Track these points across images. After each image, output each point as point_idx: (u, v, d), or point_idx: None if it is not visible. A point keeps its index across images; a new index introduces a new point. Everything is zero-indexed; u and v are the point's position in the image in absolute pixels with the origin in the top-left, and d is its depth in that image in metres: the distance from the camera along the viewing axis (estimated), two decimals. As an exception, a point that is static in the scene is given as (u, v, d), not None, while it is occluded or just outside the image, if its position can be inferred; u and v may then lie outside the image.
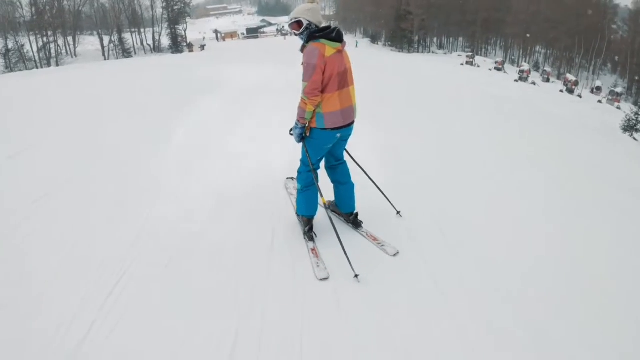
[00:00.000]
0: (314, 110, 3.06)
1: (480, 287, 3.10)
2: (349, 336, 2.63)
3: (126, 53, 54.71)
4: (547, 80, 37.51)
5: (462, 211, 4.20)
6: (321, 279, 3.08)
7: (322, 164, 3.56)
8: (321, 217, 3.69)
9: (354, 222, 3.61)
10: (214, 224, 3.88)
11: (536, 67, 49.33)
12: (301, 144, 3.30)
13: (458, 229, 3.84)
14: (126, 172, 5.20)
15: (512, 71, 38.38)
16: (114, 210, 4.19)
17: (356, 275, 3.05)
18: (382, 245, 3.44)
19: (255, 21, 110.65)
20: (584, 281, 3.25)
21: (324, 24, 3.11)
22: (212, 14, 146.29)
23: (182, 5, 59.48)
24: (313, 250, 3.35)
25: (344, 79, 3.11)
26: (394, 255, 3.37)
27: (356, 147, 4.06)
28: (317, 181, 3.40)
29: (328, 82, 3.01)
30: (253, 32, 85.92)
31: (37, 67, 47.20)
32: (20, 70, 45.76)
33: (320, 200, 3.46)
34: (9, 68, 47.13)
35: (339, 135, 3.22)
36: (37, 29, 50.05)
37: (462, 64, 35.40)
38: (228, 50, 50.97)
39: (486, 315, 2.83)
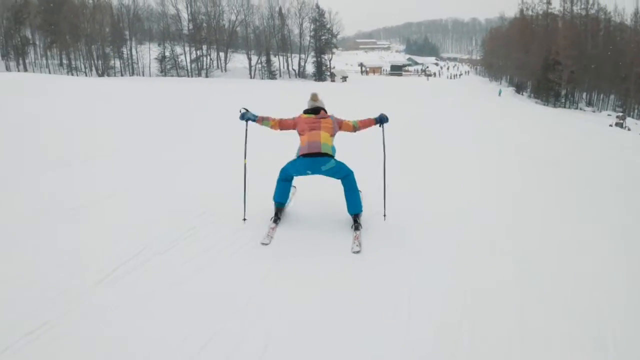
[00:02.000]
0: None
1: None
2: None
3: (271, 74, 57.45)
4: None
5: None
6: (262, 243, 3.85)
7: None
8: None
9: (354, 222, 4.19)
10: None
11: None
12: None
13: None
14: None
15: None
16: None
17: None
18: (356, 245, 3.89)
19: (401, 58, 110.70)
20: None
21: (311, 106, 4.45)
22: (360, 48, 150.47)
23: (329, 37, 61.37)
24: (272, 228, 4.10)
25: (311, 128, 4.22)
26: (355, 252, 3.81)
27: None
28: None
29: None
30: (397, 70, 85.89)
31: (188, 76, 52.71)
32: (172, 76, 51.81)
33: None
34: (163, 72, 53.16)
35: (308, 172, 4.18)
36: (193, 41, 55.17)
37: (610, 125, 32.65)
38: (370, 83, 52.47)
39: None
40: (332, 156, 4.09)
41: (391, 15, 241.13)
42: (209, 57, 57.03)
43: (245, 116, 4.24)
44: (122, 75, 51.46)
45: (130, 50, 53.87)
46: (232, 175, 4.95)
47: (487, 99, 37.94)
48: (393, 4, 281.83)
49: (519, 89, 57.41)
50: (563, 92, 51.43)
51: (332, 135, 4.21)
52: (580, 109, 50.53)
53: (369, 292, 3.15)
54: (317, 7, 60.30)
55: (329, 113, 4.42)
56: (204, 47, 56.21)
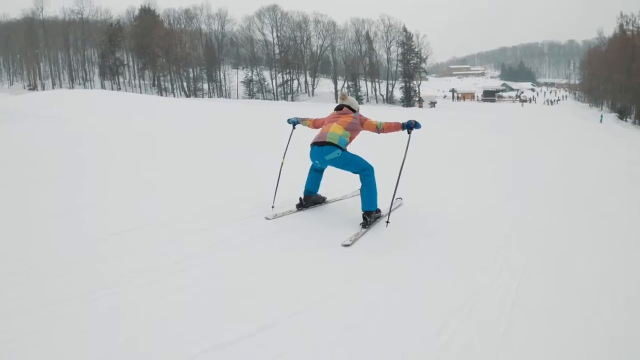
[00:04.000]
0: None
1: None
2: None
3: (358, 99, 55.91)
4: None
5: None
6: (265, 217, 4.20)
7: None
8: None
9: (363, 220, 4.13)
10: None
11: None
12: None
13: None
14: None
15: None
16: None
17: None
18: (349, 239, 3.77)
19: (496, 84, 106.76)
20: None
21: (338, 104, 4.62)
22: (454, 74, 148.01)
23: (418, 60, 59.80)
24: (290, 211, 4.42)
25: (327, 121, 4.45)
26: (344, 245, 3.68)
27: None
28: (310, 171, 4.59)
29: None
30: (490, 95, 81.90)
31: (274, 99, 54.21)
32: (257, 98, 53.65)
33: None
34: (250, 95, 55.18)
35: (315, 161, 4.30)
36: (279, 66, 56.72)
37: None
38: (459, 110, 49.74)
39: None
40: (337, 146, 4.11)
41: (485, 41, 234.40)
42: (297, 81, 58.05)
43: (291, 120, 4.83)
44: (210, 97, 53.99)
45: (219, 73, 56.54)
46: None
47: (583, 127, 33.26)
48: (487, 29, 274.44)
49: (622, 114, 50.23)
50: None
51: (347, 128, 4.22)
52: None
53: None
54: (405, 29, 59.17)
55: (358, 112, 4.52)
56: (291, 71, 57.26)
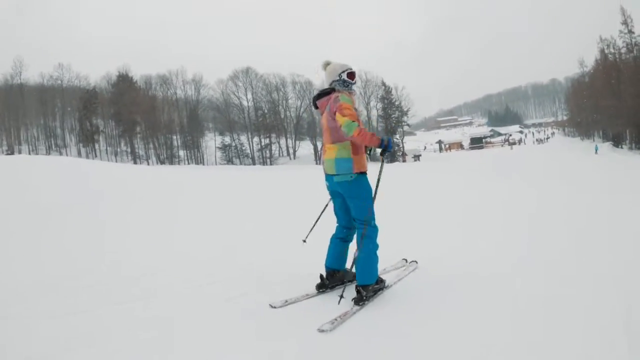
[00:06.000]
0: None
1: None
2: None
3: None
4: None
5: None
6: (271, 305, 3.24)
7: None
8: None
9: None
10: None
11: None
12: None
13: None
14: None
15: None
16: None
17: None
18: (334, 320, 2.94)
19: (483, 131, 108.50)
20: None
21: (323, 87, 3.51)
22: (442, 126, 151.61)
23: (399, 114, 58.51)
24: (305, 295, 3.49)
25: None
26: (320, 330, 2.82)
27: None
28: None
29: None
30: (477, 142, 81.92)
31: (253, 164, 52.29)
32: (234, 164, 51.98)
33: None
34: (227, 161, 53.92)
35: (327, 183, 3.47)
36: (258, 130, 55.47)
37: None
38: (444, 161, 48.23)
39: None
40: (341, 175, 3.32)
41: (470, 90, 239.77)
42: (277, 145, 56.73)
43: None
44: (187, 163, 52.68)
45: (200, 139, 55.67)
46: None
47: (580, 158, 31.46)
48: (471, 79, 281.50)
49: (617, 141, 47.86)
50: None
51: (334, 139, 3.33)
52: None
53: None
54: (383, 83, 58.63)
55: (337, 90, 3.41)
56: (269, 135, 56.13)
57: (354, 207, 3.32)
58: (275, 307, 3.19)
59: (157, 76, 58.00)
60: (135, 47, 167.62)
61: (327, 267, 3.53)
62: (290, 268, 4.12)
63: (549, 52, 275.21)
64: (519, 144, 79.43)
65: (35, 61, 67.69)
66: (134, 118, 52.48)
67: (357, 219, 3.31)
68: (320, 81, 3.52)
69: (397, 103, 58.58)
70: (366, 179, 3.32)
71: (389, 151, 3.25)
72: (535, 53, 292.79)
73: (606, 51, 49.85)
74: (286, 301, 3.28)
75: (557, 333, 2.68)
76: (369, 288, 3.25)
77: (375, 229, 3.31)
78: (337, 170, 3.25)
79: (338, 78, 3.39)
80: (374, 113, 59.33)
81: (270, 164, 52.47)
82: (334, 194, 3.46)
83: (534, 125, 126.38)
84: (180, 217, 8.37)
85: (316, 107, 3.47)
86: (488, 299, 3.23)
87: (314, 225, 3.87)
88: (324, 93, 3.40)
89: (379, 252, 3.34)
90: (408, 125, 61.35)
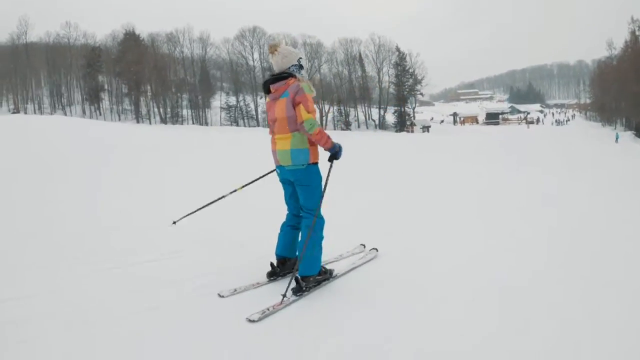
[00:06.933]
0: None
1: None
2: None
3: (344, 125, 54.31)
4: None
5: None
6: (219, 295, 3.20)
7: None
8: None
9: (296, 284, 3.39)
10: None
11: None
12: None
13: None
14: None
15: None
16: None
17: None
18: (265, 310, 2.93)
19: (502, 106, 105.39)
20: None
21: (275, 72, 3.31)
22: (462, 99, 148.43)
23: (413, 82, 56.58)
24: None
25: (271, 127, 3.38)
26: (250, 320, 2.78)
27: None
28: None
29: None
30: (493, 118, 79.28)
31: (258, 125, 51.50)
32: (239, 125, 51.68)
33: None
34: (231, 122, 53.27)
35: (278, 171, 3.46)
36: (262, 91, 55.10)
37: None
38: (454, 134, 46.92)
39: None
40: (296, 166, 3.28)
41: (494, 65, 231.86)
42: (282, 106, 55.71)
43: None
44: (192, 123, 51.84)
45: (199, 99, 54.45)
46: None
47: (598, 146, 29.75)
48: (496, 53, 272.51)
49: (639, 132, 44.72)
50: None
51: (292, 129, 3.21)
52: None
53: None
54: (397, 49, 56.00)
55: (297, 78, 3.27)
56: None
57: (303, 195, 3.33)
58: (223, 297, 3.16)
59: (164, 34, 56.31)
60: (142, 3, 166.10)
61: (277, 255, 3.52)
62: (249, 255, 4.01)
63: (579, 31, 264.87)
64: (537, 123, 76.57)
65: (41, 20, 66.72)
66: (141, 77, 51.36)
67: (305, 208, 3.32)
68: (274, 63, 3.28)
69: (410, 70, 56.12)
70: (318, 168, 3.29)
71: (337, 159, 3.29)
72: (564, 32, 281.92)
73: (637, 33, 46.59)
74: (235, 290, 3.25)
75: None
76: (310, 279, 3.25)
77: (322, 220, 3.33)
78: (293, 161, 3.21)
79: (297, 63, 3.29)
80: (386, 79, 56.87)
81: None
82: (285, 182, 3.44)
83: (555, 105, 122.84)
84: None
85: (268, 92, 3.30)
86: (439, 293, 3.17)
87: (251, 183, 4.22)
88: (280, 77, 3.22)
89: (322, 243, 3.35)
90: (421, 94, 59.03)
